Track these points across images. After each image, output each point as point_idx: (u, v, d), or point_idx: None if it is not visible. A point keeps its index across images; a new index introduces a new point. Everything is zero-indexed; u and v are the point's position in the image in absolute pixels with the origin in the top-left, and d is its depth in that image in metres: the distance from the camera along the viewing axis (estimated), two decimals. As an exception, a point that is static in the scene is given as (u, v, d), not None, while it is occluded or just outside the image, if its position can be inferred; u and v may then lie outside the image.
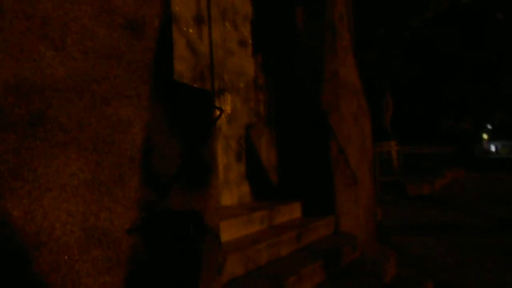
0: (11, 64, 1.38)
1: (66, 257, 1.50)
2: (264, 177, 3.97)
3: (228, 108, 3.54)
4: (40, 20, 1.47)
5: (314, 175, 3.84)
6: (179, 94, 2.09)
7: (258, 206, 3.34)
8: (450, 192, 10.81)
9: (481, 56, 13.76)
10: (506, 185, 11.93)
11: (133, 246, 1.75)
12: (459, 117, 16.73)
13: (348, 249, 3.17)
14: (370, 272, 2.90)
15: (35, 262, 1.41)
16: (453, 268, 3.90)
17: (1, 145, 1.34)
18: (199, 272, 2.09)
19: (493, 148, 39.04)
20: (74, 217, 1.54)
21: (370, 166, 4.63)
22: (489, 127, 25.99)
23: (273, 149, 4.09)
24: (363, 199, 4.23)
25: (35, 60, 1.45)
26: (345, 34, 4.26)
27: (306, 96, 3.98)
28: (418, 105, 15.53)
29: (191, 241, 2.07)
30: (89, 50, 1.64)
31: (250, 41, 3.94)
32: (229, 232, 2.73)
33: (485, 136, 31.31)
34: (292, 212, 3.56)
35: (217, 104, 3.35)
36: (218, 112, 2.31)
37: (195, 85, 3.11)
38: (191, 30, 3.20)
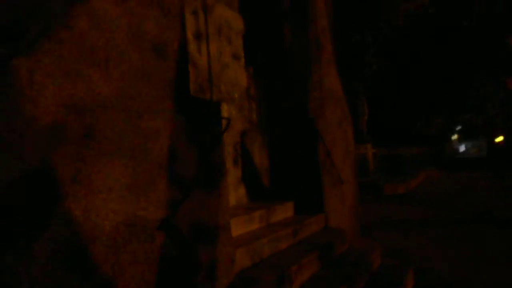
0: (69, 86, 1.65)
1: (114, 249, 1.76)
2: (257, 179, 4.27)
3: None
4: (89, 48, 1.74)
5: (304, 177, 4.17)
6: (194, 107, 2.38)
7: (255, 206, 3.64)
8: (424, 190, 11.39)
9: (450, 61, 14.54)
10: (474, 182, 12.63)
11: (163, 240, 2.02)
12: (430, 120, 17.53)
13: (338, 242, 3.51)
14: (359, 261, 3.24)
15: (92, 253, 1.67)
16: (431, 257, 4.32)
17: (64, 155, 1.60)
18: (216, 263, 2.37)
19: (463, 148, 40.59)
20: (118, 215, 1.80)
21: (353, 168, 5.00)
22: (459, 128, 27.10)
23: (265, 154, 4.40)
24: (348, 197, 4.60)
25: (86, 82, 1.72)
26: (328, 46, 4.62)
27: (295, 103, 4.31)
28: (392, 109, 16.21)
29: (209, 235, 2.35)
30: (126, 71, 1.91)
31: (243, 54, 4.25)
32: (233, 229, 3.02)
33: (455, 136, 32.59)
34: (286, 211, 3.87)
35: (215, 113, 3.63)
36: (225, 122, 2.60)
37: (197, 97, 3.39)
38: (192, 46, 3.48)
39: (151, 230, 1.96)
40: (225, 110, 3.85)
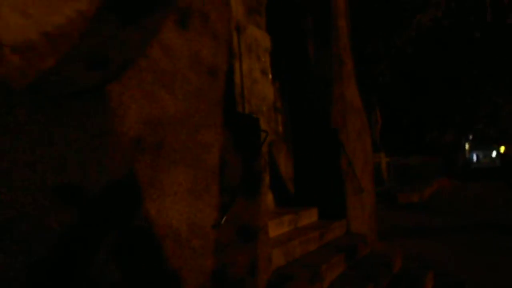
0: (147, 105, 1.97)
1: (179, 244, 2.06)
2: (283, 187, 4.56)
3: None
4: (160, 73, 2.06)
5: (327, 184, 4.44)
6: (239, 121, 2.68)
7: (283, 211, 3.92)
8: (437, 199, 11.54)
9: (462, 72, 14.72)
10: (486, 192, 12.74)
11: (217, 237, 2.32)
12: (443, 129, 17.66)
13: (361, 245, 3.77)
14: (381, 263, 3.49)
15: (164, 248, 1.97)
16: (447, 262, 4.54)
17: (142, 164, 1.92)
18: (257, 261, 2.65)
19: (474, 158, 40.37)
20: (182, 215, 2.11)
21: (371, 177, 5.26)
22: (470, 137, 27.11)
23: (290, 163, 4.69)
24: (367, 205, 4.85)
25: (158, 102, 2.04)
26: (349, 61, 4.92)
27: (318, 116, 4.61)
28: (405, 118, 16.40)
29: (250, 235, 2.64)
30: (187, 92, 2.23)
31: (270, 70, 4.57)
32: (266, 232, 3.30)
33: (467, 146, 32.53)
34: (311, 216, 4.15)
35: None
36: (264, 134, 2.90)
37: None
38: (226, 64, 3.81)
39: (207, 228, 2.26)
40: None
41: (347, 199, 4.35)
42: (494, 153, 32.51)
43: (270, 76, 4.56)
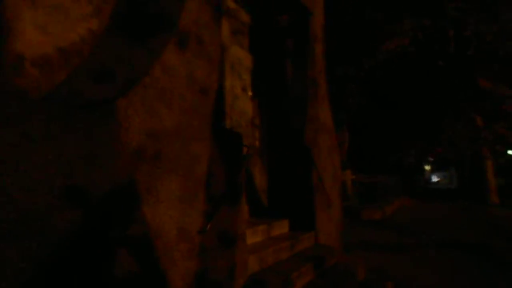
0: (148, 119, 2.18)
1: (169, 246, 2.26)
2: (257, 198, 4.80)
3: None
4: (160, 90, 2.29)
5: (298, 198, 4.73)
6: (224, 136, 2.92)
7: (257, 222, 4.15)
8: (398, 217, 12.10)
9: (426, 97, 15.60)
10: (444, 211, 13.48)
11: (201, 242, 2.53)
12: (406, 151, 18.53)
13: (328, 256, 4.05)
14: (347, 273, 3.78)
15: (156, 249, 2.17)
16: (407, 274, 4.90)
17: (142, 171, 2.12)
18: (235, 265, 2.87)
19: (434, 179, 42.10)
20: (173, 220, 2.31)
21: (339, 192, 5.59)
22: (431, 159, 28.36)
23: (264, 176, 4.95)
24: (334, 218, 5.17)
25: (158, 116, 2.25)
26: (323, 84, 5.28)
27: (292, 133, 4.91)
28: (371, 138, 17.12)
29: (230, 242, 2.86)
30: (182, 108, 2.45)
31: (250, 87, 4.85)
32: (242, 240, 3.52)
33: (427, 167, 33.96)
34: (282, 227, 4.40)
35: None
36: (245, 149, 3.15)
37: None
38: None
39: (193, 233, 2.47)
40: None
41: (316, 212, 4.65)
42: (452, 175, 34.12)
43: (250, 93, 4.83)
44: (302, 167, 4.78)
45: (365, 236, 8.34)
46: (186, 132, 2.48)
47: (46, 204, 1.83)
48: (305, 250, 4.10)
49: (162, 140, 2.27)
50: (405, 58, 14.72)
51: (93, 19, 2.22)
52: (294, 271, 3.26)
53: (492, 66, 14.49)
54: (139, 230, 2.08)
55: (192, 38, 2.58)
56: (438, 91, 15.77)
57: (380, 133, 17.23)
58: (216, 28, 2.85)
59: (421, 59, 15.37)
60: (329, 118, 5.38)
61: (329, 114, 5.37)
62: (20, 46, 1.87)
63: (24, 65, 1.88)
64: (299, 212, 4.64)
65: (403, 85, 15.58)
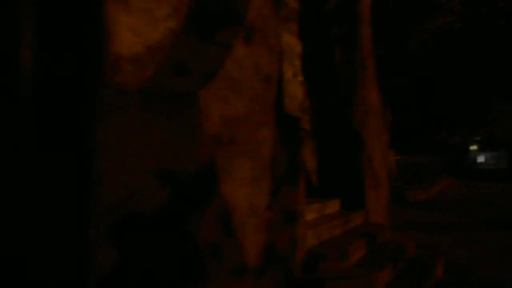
0: (223, 106, 2.44)
1: (243, 221, 2.55)
2: (308, 179, 5.03)
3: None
4: (232, 81, 2.53)
5: (348, 178, 4.91)
6: (285, 120, 3.15)
7: (311, 201, 4.39)
8: (444, 197, 11.97)
9: (474, 75, 15.07)
10: (493, 192, 13.14)
11: (268, 217, 2.80)
12: (451, 130, 18.03)
13: (379, 233, 4.23)
14: (398, 248, 3.96)
15: (233, 220, 2.45)
16: (455, 252, 5.00)
17: (219, 154, 2.39)
18: (295, 239, 3.13)
19: (481, 159, 40.55)
20: (245, 197, 2.59)
21: (386, 173, 5.71)
22: (478, 139, 27.36)
23: (315, 158, 5.16)
24: (383, 198, 5.32)
25: (230, 104, 2.51)
26: (371, 66, 5.36)
27: (341, 116, 5.06)
28: (416, 118, 16.80)
29: (291, 218, 3.12)
30: (250, 96, 2.70)
31: (300, 73, 5.02)
32: (299, 217, 3.77)
33: (474, 147, 32.76)
34: (334, 206, 4.62)
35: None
36: (303, 132, 3.37)
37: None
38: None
39: (262, 209, 2.74)
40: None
41: (366, 192, 4.82)
42: (500, 156, 32.73)
43: (300, 78, 5.02)
44: (351, 149, 4.95)
45: (412, 217, 8.40)
46: (254, 118, 2.72)
47: (143, 184, 2.15)
48: (357, 227, 4.30)
49: (235, 126, 2.53)
50: (451, 34, 14.23)
51: (171, 19, 2.48)
52: (348, 245, 3.48)
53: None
54: (218, 204, 2.37)
55: (257, 31, 2.80)
56: (487, 68, 15.17)
57: (424, 113, 16.85)
58: (276, 20, 3.05)
59: (468, 35, 14.79)
60: (377, 100, 5.47)
61: (377, 96, 5.46)
62: (118, 47, 2.17)
63: (121, 63, 2.17)
64: (350, 191, 4.83)
65: (449, 63, 15.10)
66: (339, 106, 5.09)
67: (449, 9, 12.96)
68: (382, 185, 5.33)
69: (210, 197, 2.33)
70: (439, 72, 15.32)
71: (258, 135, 2.75)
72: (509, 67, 14.68)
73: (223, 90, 2.46)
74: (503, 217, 8.05)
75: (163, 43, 2.42)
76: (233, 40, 2.57)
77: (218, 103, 2.41)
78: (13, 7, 2.27)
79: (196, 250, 2.24)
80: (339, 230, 3.95)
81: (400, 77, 14.14)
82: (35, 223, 2.15)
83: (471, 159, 31.94)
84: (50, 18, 2.21)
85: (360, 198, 4.78)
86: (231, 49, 2.53)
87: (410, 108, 16.62)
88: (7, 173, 2.23)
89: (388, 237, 4.43)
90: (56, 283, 2.08)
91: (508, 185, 15.15)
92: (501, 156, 32.06)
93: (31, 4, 2.21)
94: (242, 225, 2.54)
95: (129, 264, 2.07)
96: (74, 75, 2.13)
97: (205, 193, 2.31)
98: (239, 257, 2.49)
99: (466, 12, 13.75)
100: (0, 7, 2.27)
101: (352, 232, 4.04)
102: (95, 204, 1.99)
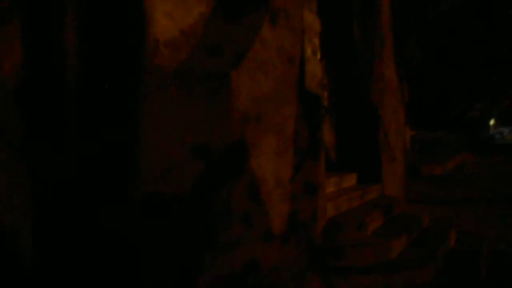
0: (252, 86, 2.62)
1: (268, 192, 2.76)
2: (326, 154, 5.20)
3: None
4: (259, 61, 2.70)
5: (365, 153, 5.08)
6: (307, 98, 3.32)
7: (329, 174, 4.57)
8: (459, 172, 12.03)
9: (492, 49, 14.80)
10: (508, 167, 13.14)
11: (291, 189, 3.01)
12: (468, 105, 17.85)
13: (395, 205, 4.43)
14: (412, 220, 4.16)
15: (261, 193, 2.67)
16: (468, 224, 5.18)
17: (248, 130, 2.59)
18: (317, 209, 3.34)
19: (501, 134, 39.93)
20: (271, 170, 2.80)
21: (402, 148, 5.86)
22: (496, 114, 26.95)
23: (332, 133, 5.32)
24: (399, 172, 5.49)
25: (258, 83, 2.68)
26: (389, 42, 5.43)
27: (359, 92, 5.19)
28: (431, 93, 16.66)
29: (313, 190, 3.33)
30: (275, 75, 2.87)
31: (319, 50, 5.13)
32: (318, 189, 3.98)
33: (492, 122, 32.27)
34: (351, 180, 4.81)
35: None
36: (323, 110, 3.54)
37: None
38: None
39: (285, 181, 2.95)
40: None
41: (383, 166, 4.99)
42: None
43: (319, 55, 5.12)
44: (368, 125, 5.09)
45: (426, 191, 8.55)
46: (278, 97, 2.90)
47: (181, 157, 2.37)
48: (374, 199, 4.50)
49: (262, 104, 2.72)
50: (469, 6, 13.93)
51: (202, 3, 2.64)
52: (366, 216, 3.69)
53: None
54: (247, 177, 2.59)
55: (281, 13, 2.94)
56: (507, 40, 14.86)
57: (441, 88, 16.69)
58: (299, 2, 3.18)
59: (488, 7, 14.45)
60: (394, 76, 5.57)
61: (394, 72, 5.55)
62: (156, 32, 2.35)
63: (159, 47, 2.36)
64: (366, 166, 5.01)
65: (467, 36, 14.82)
66: (357, 83, 5.21)
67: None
68: (398, 160, 5.48)
69: (241, 170, 2.54)
70: (459, 45, 15.07)
71: (282, 112, 2.94)
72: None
73: (252, 70, 2.63)
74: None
75: (196, 26, 2.60)
76: (261, 22, 2.72)
77: (247, 83, 2.59)
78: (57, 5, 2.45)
79: (229, 218, 2.47)
80: (356, 202, 4.16)
81: (417, 51, 13.98)
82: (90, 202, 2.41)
83: (489, 134, 31.52)
84: (94, 8, 2.39)
85: (377, 173, 4.96)
86: (259, 31, 2.69)
87: (428, 82, 16.46)
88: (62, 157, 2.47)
89: (403, 209, 4.62)
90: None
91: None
92: (520, 130, 31.55)
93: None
94: (269, 196, 2.76)
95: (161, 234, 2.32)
96: (119, 61, 2.33)
97: (236, 166, 2.53)
98: (267, 224, 2.72)
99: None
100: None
101: (369, 204, 4.24)
102: (139, 177, 2.23)
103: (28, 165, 2.51)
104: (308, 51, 4.90)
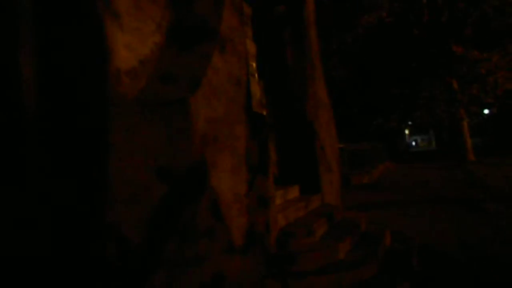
0: (207, 109, 2.82)
1: (228, 206, 2.96)
2: (269, 169, 5.51)
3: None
4: (212, 86, 2.92)
5: (305, 166, 5.46)
6: (254, 118, 3.59)
7: (275, 188, 4.87)
8: (384, 180, 13.10)
9: (404, 65, 16.44)
10: (426, 171, 14.56)
11: (247, 203, 3.23)
12: (386, 117, 19.51)
13: (335, 212, 4.82)
14: (352, 224, 4.56)
15: (220, 207, 2.86)
16: (399, 225, 5.75)
17: (208, 151, 2.78)
18: (269, 221, 3.58)
19: (414, 142, 43.67)
20: (229, 186, 3.00)
21: (337, 159, 6.35)
22: (410, 123, 29.55)
23: (273, 149, 5.64)
24: (335, 181, 5.95)
25: (212, 107, 2.89)
26: (319, 65, 5.94)
27: (295, 110, 5.59)
28: (354, 108, 17.99)
29: (265, 203, 3.57)
30: (226, 98, 3.10)
31: (256, 72, 5.47)
32: (267, 203, 4.24)
33: (407, 131, 35.26)
34: (295, 192, 5.14)
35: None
36: (267, 128, 3.82)
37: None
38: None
39: (242, 196, 3.16)
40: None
41: (321, 177, 5.40)
42: (430, 137, 35.55)
43: (256, 77, 5.46)
44: (306, 140, 5.49)
45: (358, 198, 9.24)
46: (230, 118, 3.13)
47: (146, 180, 2.49)
48: (317, 208, 4.86)
49: (217, 126, 2.93)
50: (383, 29, 15.42)
51: (156, 34, 2.82)
52: (313, 224, 4.01)
53: (464, 32, 15.33)
54: (208, 194, 2.77)
55: (228, 42, 3.20)
56: (415, 58, 16.60)
57: (362, 102, 18.09)
58: (243, 29, 3.47)
59: (398, 29, 16.10)
60: (325, 94, 6.07)
61: (325, 91, 6.05)
62: (117, 62, 2.48)
63: (121, 76, 2.49)
64: (307, 178, 5.38)
65: (382, 55, 16.34)
66: (292, 102, 5.61)
67: (380, 5, 14.08)
68: (334, 171, 5.95)
69: (203, 188, 2.72)
70: (375, 62, 16.52)
71: (235, 132, 3.17)
72: (434, 57, 16.17)
73: (207, 95, 2.84)
74: (435, 193, 9.12)
75: (151, 56, 2.76)
76: (212, 51, 2.95)
77: (204, 107, 2.79)
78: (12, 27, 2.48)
79: (194, 233, 2.62)
80: (302, 212, 4.48)
81: (341, 70, 15.11)
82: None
83: (405, 143, 34.37)
84: (55, 41, 2.46)
85: (317, 184, 5.35)
86: (211, 59, 2.91)
87: (350, 97, 17.76)
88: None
89: (343, 216, 5.03)
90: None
91: (437, 164, 16.77)
92: (431, 138, 34.83)
93: (33, 30, 2.44)
94: (229, 210, 2.95)
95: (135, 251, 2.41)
96: (81, 93, 2.41)
97: (199, 185, 2.69)
98: (228, 238, 2.90)
99: (395, 8, 14.97)
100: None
101: (313, 213, 4.58)
102: (109, 199, 2.31)
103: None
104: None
